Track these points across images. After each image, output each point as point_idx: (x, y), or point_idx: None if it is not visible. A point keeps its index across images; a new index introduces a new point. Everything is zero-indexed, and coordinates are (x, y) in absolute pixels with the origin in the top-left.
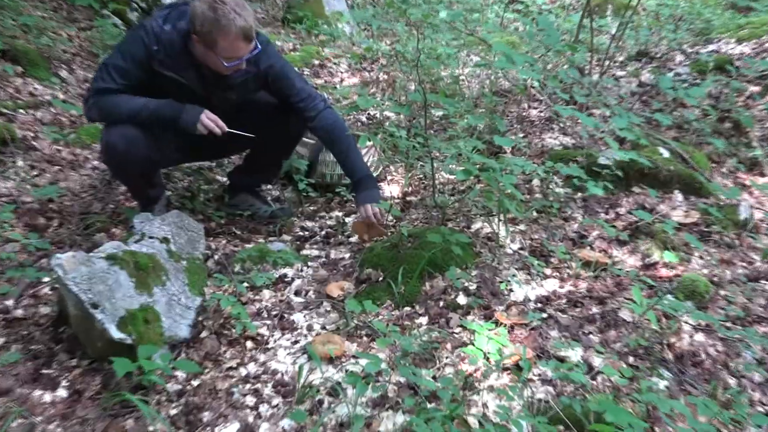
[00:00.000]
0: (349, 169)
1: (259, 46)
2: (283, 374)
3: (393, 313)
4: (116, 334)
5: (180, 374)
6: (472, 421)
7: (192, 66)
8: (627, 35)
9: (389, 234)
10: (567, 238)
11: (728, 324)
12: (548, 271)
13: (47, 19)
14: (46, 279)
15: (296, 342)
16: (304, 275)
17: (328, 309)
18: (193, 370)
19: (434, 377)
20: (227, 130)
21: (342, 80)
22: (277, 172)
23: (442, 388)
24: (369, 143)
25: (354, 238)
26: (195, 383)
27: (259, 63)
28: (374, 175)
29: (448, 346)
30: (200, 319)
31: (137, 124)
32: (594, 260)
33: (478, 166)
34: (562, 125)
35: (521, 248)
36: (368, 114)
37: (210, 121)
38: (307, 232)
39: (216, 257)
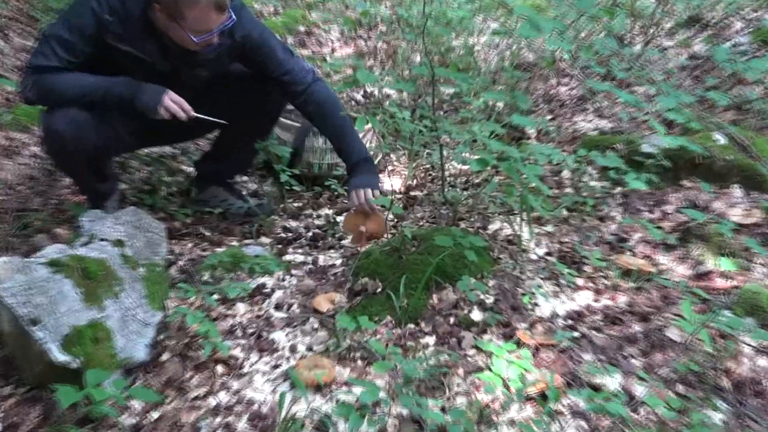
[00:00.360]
0: (344, 152)
1: (233, 16)
2: (260, 405)
3: (394, 331)
4: (59, 355)
5: (136, 405)
6: None
7: (153, 38)
8: None
9: (389, 236)
10: (603, 242)
11: None
12: (581, 282)
13: None
14: None
15: (277, 366)
16: (286, 285)
17: (316, 326)
18: (153, 399)
19: (443, 409)
20: (194, 114)
21: (333, 50)
22: (252, 159)
23: (452, 422)
24: (366, 126)
25: (347, 241)
26: (154, 415)
27: (233, 33)
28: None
29: (460, 371)
30: (161, 338)
31: (85, 105)
32: (636, 268)
33: (496, 154)
34: (597, 105)
35: (548, 254)
36: (365, 91)
37: (174, 103)
38: (290, 234)
39: (180, 263)
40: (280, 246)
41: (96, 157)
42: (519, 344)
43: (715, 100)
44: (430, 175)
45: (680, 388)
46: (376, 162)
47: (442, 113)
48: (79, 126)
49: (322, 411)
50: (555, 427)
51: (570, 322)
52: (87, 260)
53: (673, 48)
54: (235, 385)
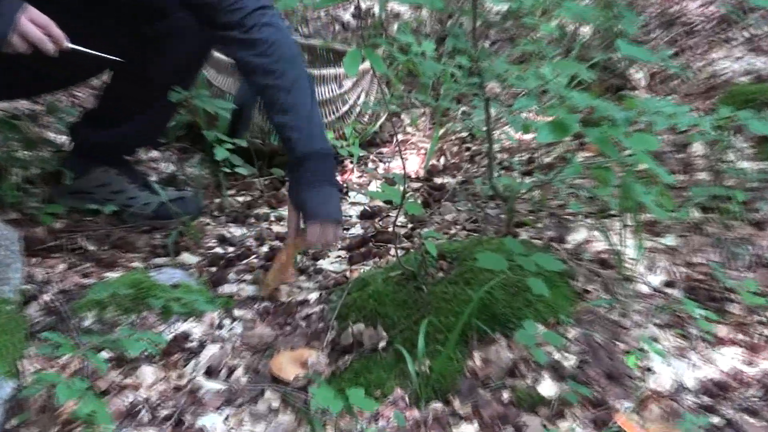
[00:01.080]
0: (286, 136)
1: None
2: None
3: (407, 413)
4: None
5: None
6: None
7: None
8: None
9: (388, 259)
10: (761, 264)
11: None
12: (724, 331)
13: None
14: None
15: None
16: (225, 336)
17: (275, 405)
18: None
19: None
20: (69, 45)
21: None
22: (166, 121)
23: None
24: (362, 67)
25: (328, 263)
26: None
27: None
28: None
29: None
30: (13, 424)
31: None
32: None
33: (580, 114)
34: (749, 34)
35: (668, 283)
36: (357, 8)
37: (35, 27)
38: (231, 248)
39: (46, 298)
40: (214, 269)
41: None
42: None
43: None
44: (467, 149)
45: None
46: (375, 126)
47: (487, 45)
48: None
49: None
50: None
51: (706, 399)
52: None
53: None
54: None
